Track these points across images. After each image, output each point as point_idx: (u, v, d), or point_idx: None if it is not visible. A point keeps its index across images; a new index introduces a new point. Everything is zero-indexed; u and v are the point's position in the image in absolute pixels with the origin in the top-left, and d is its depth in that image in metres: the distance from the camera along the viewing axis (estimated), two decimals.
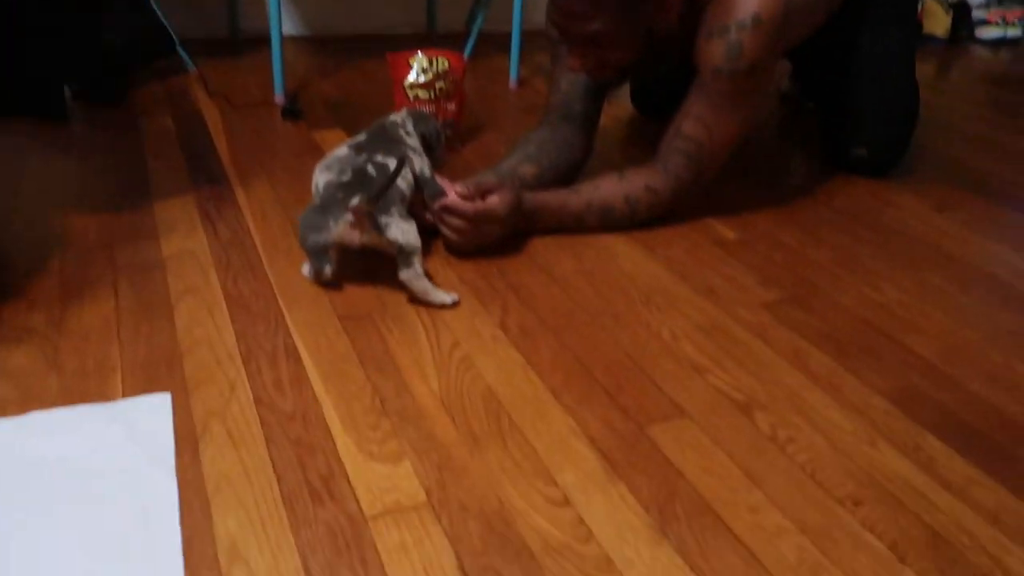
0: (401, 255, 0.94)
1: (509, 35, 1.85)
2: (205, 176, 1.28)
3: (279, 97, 1.61)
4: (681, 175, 1.17)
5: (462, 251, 1.08)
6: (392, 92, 1.45)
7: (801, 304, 1.04)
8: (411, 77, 1.36)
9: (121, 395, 0.79)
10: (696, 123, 1.14)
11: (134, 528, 0.64)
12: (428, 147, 1.13)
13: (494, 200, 1.05)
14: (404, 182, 1.00)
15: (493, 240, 1.09)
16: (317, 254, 0.96)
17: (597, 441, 0.77)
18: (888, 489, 0.74)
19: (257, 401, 0.79)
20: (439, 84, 1.37)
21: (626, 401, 0.83)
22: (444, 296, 0.97)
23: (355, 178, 0.96)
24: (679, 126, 1.16)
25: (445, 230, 1.06)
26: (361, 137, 1.07)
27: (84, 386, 0.80)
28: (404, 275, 0.95)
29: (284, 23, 2.11)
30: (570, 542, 0.66)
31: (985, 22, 2.79)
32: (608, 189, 1.16)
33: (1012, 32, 2.81)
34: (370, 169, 0.97)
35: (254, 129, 1.49)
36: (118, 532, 0.63)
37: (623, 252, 1.14)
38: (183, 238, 1.08)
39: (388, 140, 1.06)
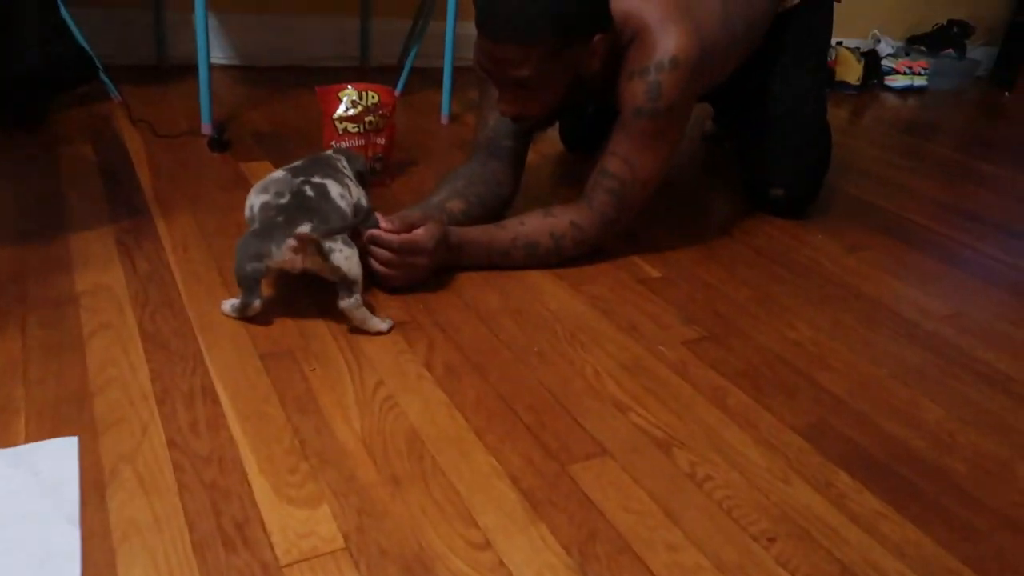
0: (343, 283, 0.93)
1: (441, 70, 1.87)
2: (125, 207, 1.24)
3: (206, 127, 1.58)
4: (606, 212, 1.19)
5: (390, 285, 1.08)
6: (321, 125, 1.44)
7: (720, 342, 1.07)
8: (340, 110, 1.36)
9: (24, 439, 0.75)
10: (619, 161, 1.17)
11: None
12: (362, 183, 1.12)
13: (420, 232, 1.05)
14: (344, 201, 0.99)
15: (421, 274, 1.09)
16: (250, 285, 0.94)
17: (519, 480, 0.77)
18: (801, 525, 0.77)
19: (171, 444, 0.77)
20: (368, 118, 1.38)
21: (549, 440, 0.84)
22: (381, 324, 0.98)
23: (293, 200, 0.94)
24: (603, 164, 1.19)
25: (373, 263, 1.06)
26: (297, 163, 1.06)
27: None
28: (344, 304, 0.94)
29: (213, 51, 2.08)
30: None
31: (894, 71, 2.96)
32: (534, 225, 1.18)
33: (919, 81, 2.98)
34: (308, 191, 0.96)
35: (179, 159, 1.46)
36: None
37: (549, 290, 1.15)
38: (99, 272, 1.05)
39: (325, 166, 1.05)
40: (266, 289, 0.99)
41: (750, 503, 0.79)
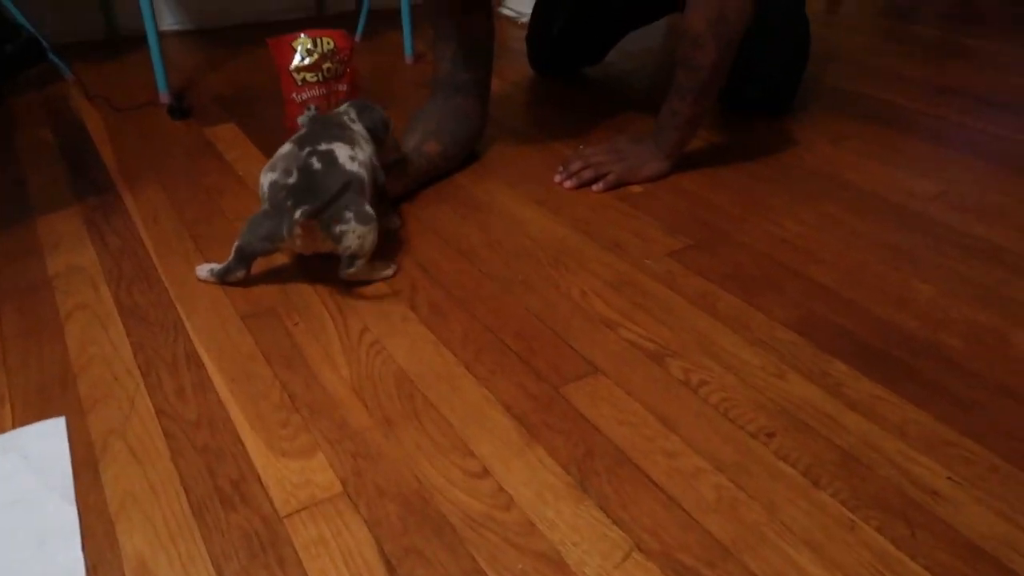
0: (349, 259, 0.91)
1: (399, 11, 1.81)
2: (90, 185, 1.22)
3: (164, 96, 1.54)
4: None
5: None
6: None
7: (706, 249, 1.05)
8: (296, 60, 1.32)
9: (12, 425, 0.75)
10: None
11: (34, 561, 0.60)
12: (375, 138, 1.06)
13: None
14: (355, 163, 0.94)
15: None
16: (247, 259, 0.93)
17: (512, 408, 0.77)
18: (799, 417, 0.76)
19: (159, 413, 0.76)
20: (326, 65, 1.33)
21: (539, 364, 0.83)
22: (386, 270, 0.98)
23: (301, 179, 0.90)
24: None
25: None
26: (302, 131, 1.00)
27: None
28: (347, 273, 0.92)
29: (164, 18, 2.02)
30: (491, 511, 0.65)
31: None
32: (683, 61, 1.14)
33: None
34: (315, 163, 0.91)
35: (140, 132, 1.42)
36: (18, 565, 0.60)
37: (529, 217, 1.13)
38: (70, 253, 1.03)
39: (331, 126, 1.00)
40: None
41: (747, 402, 0.78)
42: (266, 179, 0.93)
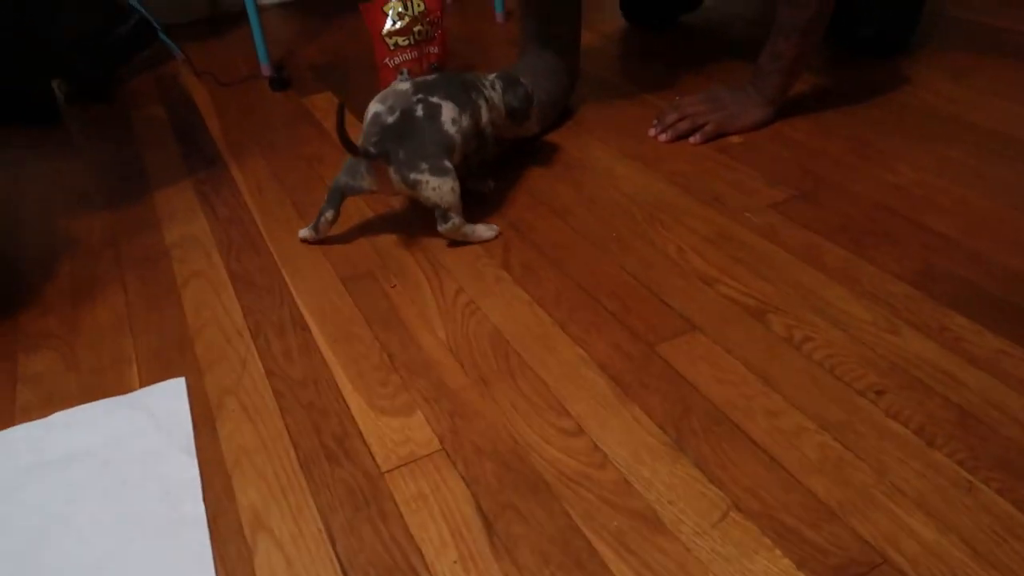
0: (438, 211, 0.93)
1: None
2: (200, 159, 1.28)
3: (265, 68, 1.59)
4: None
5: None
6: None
7: (812, 199, 1.00)
8: (388, 25, 1.33)
9: (139, 385, 0.80)
10: None
11: (161, 508, 0.65)
12: (514, 112, 1.06)
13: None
14: (455, 127, 0.94)
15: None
16: (335, 197, 0.96)
17: (607, 367, 0.76)
18: (912, 374, 0.72)
19: (268, 373, 0.80)
20: (417, 28, 1.34)
21: (634, 323, 0.82)
22: (486, 232, 0.98)
23: (399, 121, 0.91)
24: None
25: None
26: (431, 76, 1.00)
27: (102, 381, 0.81)
28: (443, 228, 0.94)
29: None
30: (586, 470, 0.65)
31: None
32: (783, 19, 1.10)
33: None
34: (419, 110, 0.93)
35: (244, 104, 1.48)
36: (147, 514, 0.65)
37: (623, 174, 1.10)
38: (184, 224, 1.09)
39: (459, 84, 0.98)
40: (341, 215, 1.00)
41: (855, 359, 0.74)
42: (372, 108, 0.95)
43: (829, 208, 0.98)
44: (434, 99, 0.94)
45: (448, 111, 0.94)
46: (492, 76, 1.07)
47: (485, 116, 1.01)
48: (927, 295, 0.82)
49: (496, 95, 1.04)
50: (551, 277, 0.90)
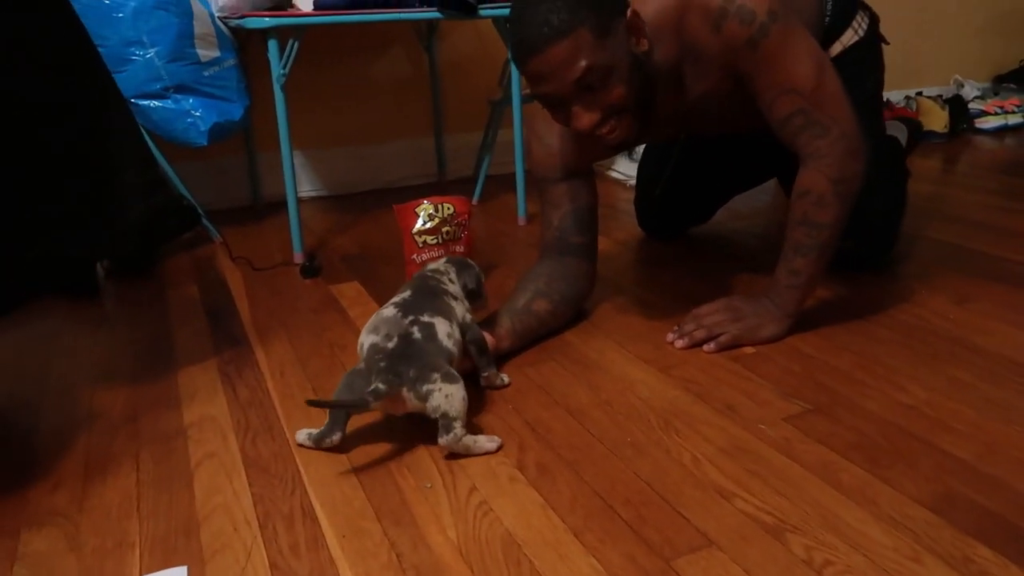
0: (443, 420, 0.93)
1: (514, 175, 1.93)
2: (227, 340, 1.32)
3: (298, 256, 1.68)
4: (820, 145, 1.13)
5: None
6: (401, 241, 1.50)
7: (826, 414, 1.01)
8: (418, 224, 1.42)
9: (139, 573, 0.78)
10: (782, 97, 1.12)
11: None
12: (471, 294, 1.13)
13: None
14: (451, 340, 0.99)
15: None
16: (340, 418, 0.96)
17: None
18: None
19: (273, 567, 0.78)
20: (445, 228, 1.43)
21: (650, 534, 0.80)
22: (488, 444, 0.96)
23: (399, 345, 0.95)
24: (777, 115, 1.14)
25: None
26: (406, 293, 1.05)
27: (102, 566, 0.79)
28: (444, 440, 0.93)
29: (302, 185, 2.23)
30: None
31: (984, 113, 2.84)
32: (799, 220, 1.17)
33: (1013, 120, 2.85)
34: (415, 332, 0.96)
35: (274, 289, 1.54)
36: None
37: (639, 378, 1.13)
38: (204, 403, 1.10)
39: (431, 295, 1.05)
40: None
41: None
42: (367, 340, 0.98)
43: (842, 424, 0.99)
44: (425, 318, 0.99)
45: (442, 327, 0.99)
46: (443, 264, 1.15)
47: (459, 311, 1.06)
48: (948, 522, 0.81)
49: (456, 286, 1.11)
50: (566, 480, 0.90)
